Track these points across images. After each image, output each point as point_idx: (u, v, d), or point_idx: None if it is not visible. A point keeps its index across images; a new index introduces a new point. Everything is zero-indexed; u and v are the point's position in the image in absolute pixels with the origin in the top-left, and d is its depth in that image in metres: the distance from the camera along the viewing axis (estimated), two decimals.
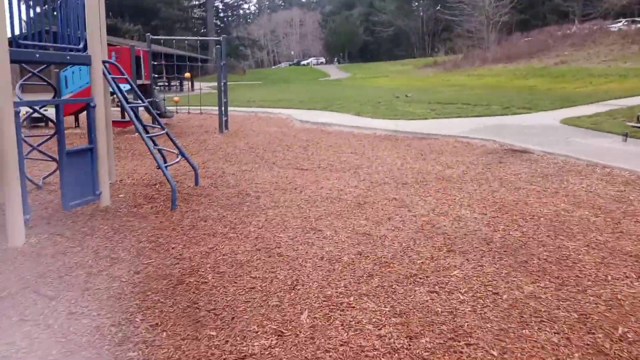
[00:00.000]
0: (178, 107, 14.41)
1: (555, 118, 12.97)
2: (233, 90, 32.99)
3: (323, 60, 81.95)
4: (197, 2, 60.86)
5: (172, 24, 57.03)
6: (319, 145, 9.84)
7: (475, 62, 41.07)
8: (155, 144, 5.96)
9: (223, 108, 11.95)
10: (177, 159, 6.38)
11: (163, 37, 11.67)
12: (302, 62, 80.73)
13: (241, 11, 68.48)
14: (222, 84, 11.91)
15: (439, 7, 67.67)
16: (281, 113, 15.48)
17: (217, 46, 11.60)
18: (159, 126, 6.50)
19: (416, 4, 79.05)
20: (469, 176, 6.95)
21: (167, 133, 6.23)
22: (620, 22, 40.03)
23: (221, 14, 64.10)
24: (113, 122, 7.72)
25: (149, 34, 11.83)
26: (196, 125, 13.50)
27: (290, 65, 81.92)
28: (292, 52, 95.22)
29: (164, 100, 13.02)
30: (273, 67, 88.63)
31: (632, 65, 26.02)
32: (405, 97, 20.01)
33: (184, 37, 14.52)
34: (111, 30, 48.04)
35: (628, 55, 28.62)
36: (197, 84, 41.78)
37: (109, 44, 11.01)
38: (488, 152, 8.84)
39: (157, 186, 6.49)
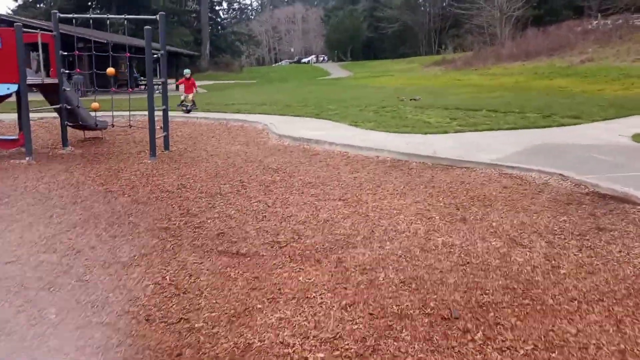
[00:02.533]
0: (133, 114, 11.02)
1: (619, 132, 9.58)
2: (219, 90, 29.68)
3: (325, 57, 78.44)
4: None
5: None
6: (291, 181, 6.45)
7: (489, 60, 37.55)
8: None
9: (164, 119, 8.57)
10: None
11: (76, 16, 8.01)
12: (303, 60, 77.23)
13: (236, 4, 64.80)
14: (160, 84, 8.55)
15: (447, 1, 64.11)
16: (258, 122, 12.10)
17: (147, 27, 8.20)
18: None
19: None
20: (571, 278, 3.52)
21: None
22: None
23: (216, 8, 60.74)
24: None
25: (55, 11, 8.44)
26: (135, 140, 10.11)
27: (290, 63, 78.44)
28: (292, 50, 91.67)
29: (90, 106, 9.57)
30: (274, 64, 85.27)
31: None
32: (412, 101, 16.59)
33: (105, 16, 10.87)
34: (96, 24, 44.76)
35: None
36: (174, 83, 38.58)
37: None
38: (563, 199, 5.45)
39: None
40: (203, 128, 11.86)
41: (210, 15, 57.53)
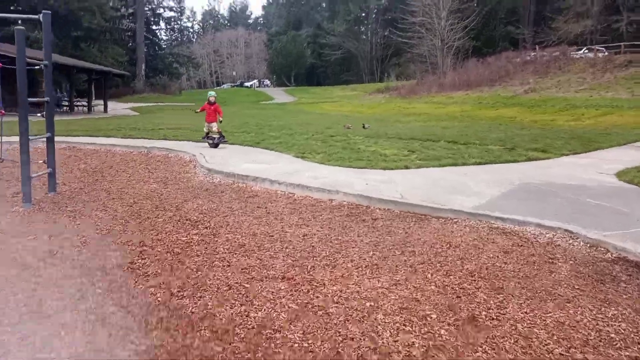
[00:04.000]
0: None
1: (598, 169, 8.50)
2: (151, 112, 27.27)
3: (268, 82, 77.07)
4: (125, 12, 54.44)
5: (97, 36, 50.39)
6: (215, 242, 4.61)
7: (432, 89, 37.51)
8: None
9: (48, 151, 6.48)
10: None
11: None
12: (246, 84, 75.39)
13: (174, 24, 62.12)
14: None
15: (388, 31, 64.82)
16: (186, 152, 10.15)
17: (17, 28, 6.12)
18: None
19: (364, 28, 76.16)
20: None
21: None
22: (582, 49, 37.81)
23: (153, 27, 57.84)
24: None
25: None
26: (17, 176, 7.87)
27: (232, 86, 76.37)
28: (235, 73, 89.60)
29: None
30: (215, 88, 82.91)
31: (616, 95, 22.75)
32: (362, 129, 15.22)
33: None
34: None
35: (606, 85, 25.50)
36: (111, 103, 35.57)
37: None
38: (589, 273, 3.96)
39: None
40: (116, 159, 9.75)
41: (147, 35, 54.67)
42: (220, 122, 11.06)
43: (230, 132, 14.11)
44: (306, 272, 3.82)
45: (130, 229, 4.99)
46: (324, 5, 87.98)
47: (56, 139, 6.72)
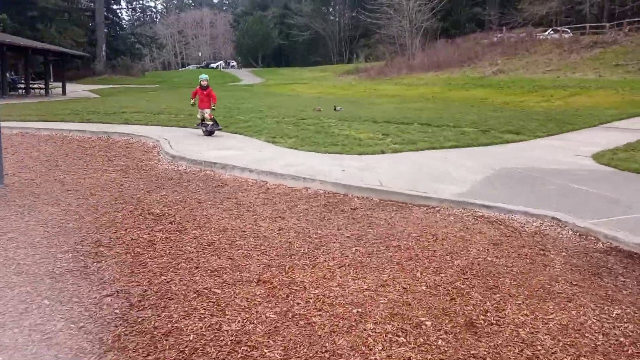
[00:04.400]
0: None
1: (574, 152, 8.41)
2: (112, 95, 26.09)
3: (234, 63, 75.38)
4: None
5: (53, 15, 47.94)
6: (181, 240, 4.18)
7: (402, 70, 37.34)
8: None
9: None
10: None
11: None
12: (212, 65, 73.50)
13: (136, 4, 59.72)
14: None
15: (356, 12, 64.05)
16: (149, 137, 9.57)
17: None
18: None
19: (332, 8, 75.03)
20: None
21: None
22: (547, 30, 38.21)
23: (114, 7, 55.38)
24: None
25: None
26: None
27: (198, 67, 74.39)
28: (200, 54, 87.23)
29: None
30: (180, 69, 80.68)
31: (583, 75, 23.00)
32: (334, 112, 14.83)
33: None
34: None
35: (572, 65, 25.79)
36: (70, 85, 33.94)
37: None
38: (583, 265, 3.74)
39: None
40: (73, 146, 9.08)
41: (107, 14, 52.28)
42: (214, 109, 10.05)
43: (196, 116, 13.49)
44: (284, 274, 3.45)
45: (85, 226, 4.50)
46: None
47: (7, 124, 6.14)
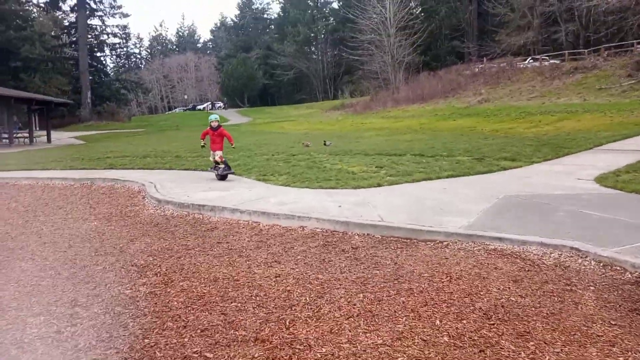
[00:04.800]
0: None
1: (576, 175, 8.15)
2: (97, 141, 25.74)
3: (221, 104, 75.76)
4: (67, 40, 52.10)
5: (37, 65, 48.04)
6: (167, 295, 3.74)
7: (388, 103, 37.60)
8: None
9: None
10: None
11: None
12: (198, 107, 73.77)
13: (119, 50, 60.06)
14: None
15: (338, 50, 65.19)
16: (135, 181, 9.16)
17: None
18: None
19: (314, 48, 76.30)
20: None
21: None
22: (527, 59, 38.97)
23: (98, 54, 55.65)
24: None
25: None
26: None
27: (185, 110, 74.58)
28: (186, 97, 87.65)
29: None
30: (167, 112, 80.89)
31: (568, 100, 23.20)
32: (324, 146, 14.60)
33: None
34: None
35: (555, 91, 26.09)
36: (56, 133, 33.57)
37: None
38: (616, 300, 3.39)
39: None
40: (54, 194, 8.64)
41: (91, 62, 52.55)
42: (234, 148, 9.85)
43: (183, 156, 13.17)
44: (285, 329, 3.02)
45: (60, 283, 4.04)
46: (272, 27, 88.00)
47: None
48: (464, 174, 8.73)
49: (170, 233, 5.61)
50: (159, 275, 4.12)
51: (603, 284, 3.69)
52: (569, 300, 3.39)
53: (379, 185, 7.84)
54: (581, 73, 27.70)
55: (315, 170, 9.45)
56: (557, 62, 33.40)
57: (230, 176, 9.06)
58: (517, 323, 3.02)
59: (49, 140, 27.09)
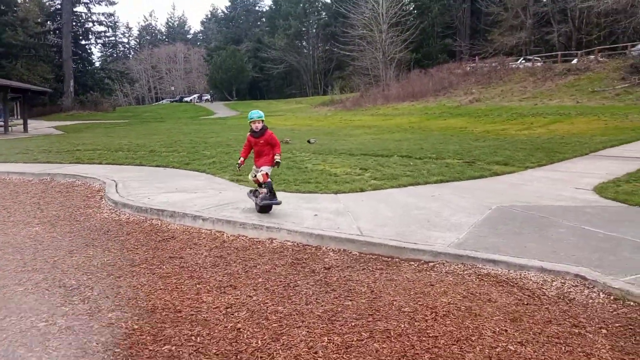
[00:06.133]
0: None
1: (573, 184, 7.57)
2: (76, 132, 24.78)
3: (208, 97, 74.58)
4: (51, 27, 50.66)
5: (19, 52, 46.72)
6: (91, 321, 3.03)
7: (378, 101, 36.97)
8: None
9: None
10: None
11: None
12: (185, 99, 72.56)
13: (105, 39, 58.77)
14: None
15: (330, 45, 64.44)
16: (97, 178, 8.39)
17: None
18: None
19: (305, 42, 75.32)
20: None
21: None
22: (519, 59, 38.56)
23: (82, 42, 54.17)
24: None
25: None
26: None
27: (172, 101, 73.30)
28: (174, 88, 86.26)
29: None
30: (154, 103, 79.53)
31: (561, 102, 22.74)
32: (308, 144, 13.92)
33: None
34: None
35: (547, 93, 25.64)
36: (36, 122, 32.48)
37: None
38: (636, 344, 2.73)
39: None
40: (5, 191, 7.85)
41: (76, 50, 51.13)
42: (278, 162, 5.84)
43: (158, 151, 12.38)
44: None
45: None
46: (263, 20, 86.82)
47: None
48: (453, 179, 8.10)
49: (119, 243, 4.89)
50: (86, 302, 3.42)
51: (617, 325, 3.07)
52: (579, 349, 2.76)
53: (362, 190, 7.18)
54: (574, 75, 27.30)
55: (294, 170, 8.76)
56: (550, 63, 33.00)
57: (199, 175, 8.33)
58: None
59: (25, 129, 26.03)
